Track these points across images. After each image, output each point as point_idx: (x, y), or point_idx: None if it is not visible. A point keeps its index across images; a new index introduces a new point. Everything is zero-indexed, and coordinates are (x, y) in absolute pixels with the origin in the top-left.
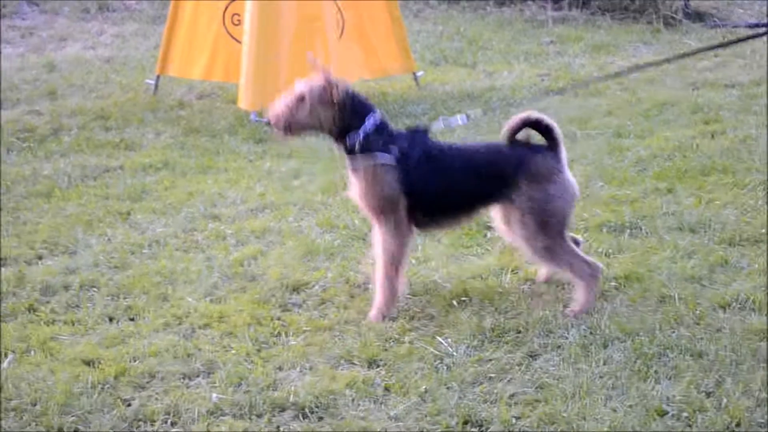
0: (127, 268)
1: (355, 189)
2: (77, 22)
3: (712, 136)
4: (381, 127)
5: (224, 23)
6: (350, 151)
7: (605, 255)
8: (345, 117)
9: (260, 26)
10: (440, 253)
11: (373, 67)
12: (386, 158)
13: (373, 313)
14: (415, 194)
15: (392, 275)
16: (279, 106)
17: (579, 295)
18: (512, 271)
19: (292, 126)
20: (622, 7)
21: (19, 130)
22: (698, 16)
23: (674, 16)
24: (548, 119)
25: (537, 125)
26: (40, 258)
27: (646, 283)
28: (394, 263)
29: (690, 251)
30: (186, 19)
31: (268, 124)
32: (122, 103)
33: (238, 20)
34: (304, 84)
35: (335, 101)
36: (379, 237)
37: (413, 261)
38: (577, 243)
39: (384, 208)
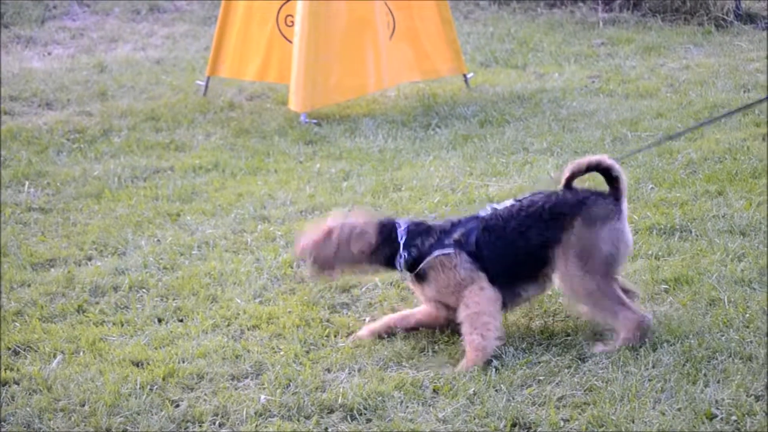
0: (176, 269)
1: (427, 293)
2: (128, 23)
3: (763, 139)
4: (422, 230)
5: (278, 24)
6: (409, 268)
7: (655, 258)
8: (380, 249)
9: (311, 27)
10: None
11: (424, 68)
12: (445, 251)
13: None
14: (488, 267)
15: (485, 327)
16: (307, 238)
17: (616, 339)
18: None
19: (321, 264)
20: (673, 8)
21: (69, 131)
22: (749, 18)
23: (725, 17)
24: (618, 168)
25: (606, 172)
26: (89, 259)
27: (695, 286)
28: (482, 321)
29: (740, 254)
30: (238, 20)
31: (295, 255)
32: (172, 104)
33: (292, 21)
34: (335, 221)
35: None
36: (467, 313)
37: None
38: (628, 293)
39: (464, 285)
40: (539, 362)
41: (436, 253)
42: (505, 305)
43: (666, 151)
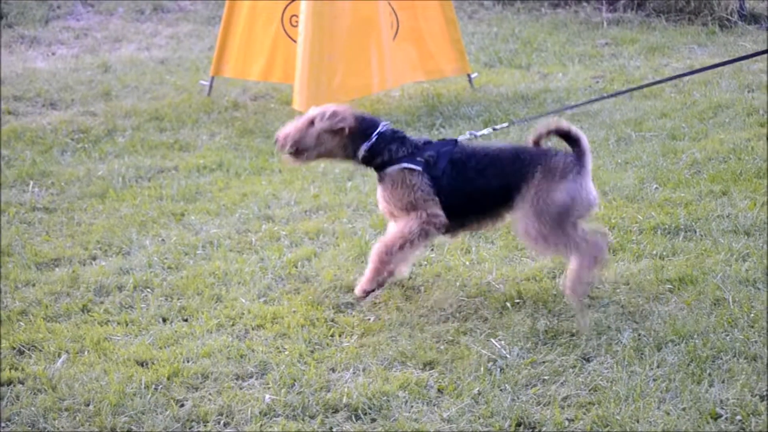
0: (180, 269)
1: (381, 196)
2: (132, 23)
3: None
4: (397, 137)
5: (283, 24)
6: (369, 163)
7: (659, 257)
8: (354, 141)
9: (315, 27)
10: (494, 255)
11: (428, 68)
12: (412, 164)
13: (358, 287)
14: (443, 198)
15: (386, 259)
16: (288, 127)
17: (572, 272)
18: (566, 273)
19: (299, 149)
20: (677, 8)
21: (73, 131)
22: (753, 18)
23: (729, 17)
24: (576, 129)
25: (566, 135)
26: (94, 258)
27: (700, 285)
28: (394, 249)
29: (744, 254)
30: (242, 20)
31: (275, 142)
32: (176, 104)
33: (296, 21)
34: (316, 109)
35: (344, 129)
36: (400, 223)
37: (467, 263)
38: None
39: (415, 206)
40: (544, 362)
41: (404, 164)
42: (452, 231)
43: (670, 151)
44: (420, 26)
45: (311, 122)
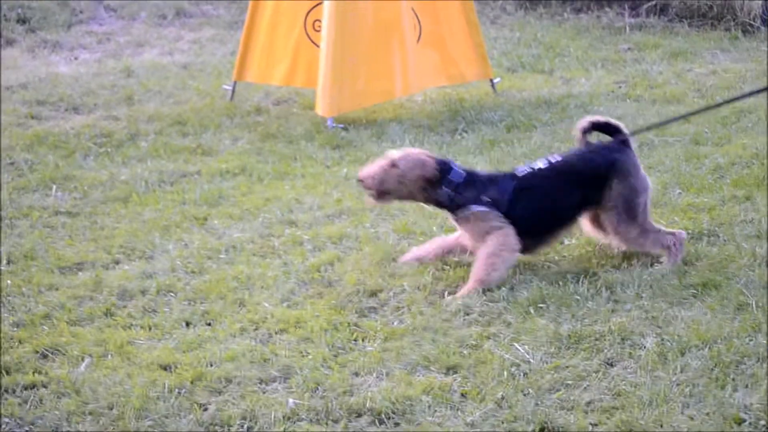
0: (203, 273)
1: (464, 234)
2: (154, 27)
3: None
4: (468, 179)
5: (306, 29)
6: (444, 207)
7: (683, 262)
8: (433, 185)
9: (338, 31)
10: (518, 259)
11: (450, 73)
12: (480, 209)
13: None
14: (518, 224)
15: (486, 279)
16: (372, 167)
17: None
18: (589, 277)
19: (381, 190)
20: (699, 14)
21: (96, 136)
22: None
23: (752, 23)
24: (614, 120)
25: (606, 127)
26: (117, 263)
27: (723, 290)
28: (498, 264)
29: None
30: (265, 24)
31: (359, 182)
32: (199, 108)
33: (320, 26)
34: (399, 152)
35: (429, 177)
36: (482, 252)
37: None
38: None
39: (491, 231)
40: (567, 366)
41: (473, 208)
42: (531, 249)
43: (693, 156)
44: (442, 30)
45: (393, 165)
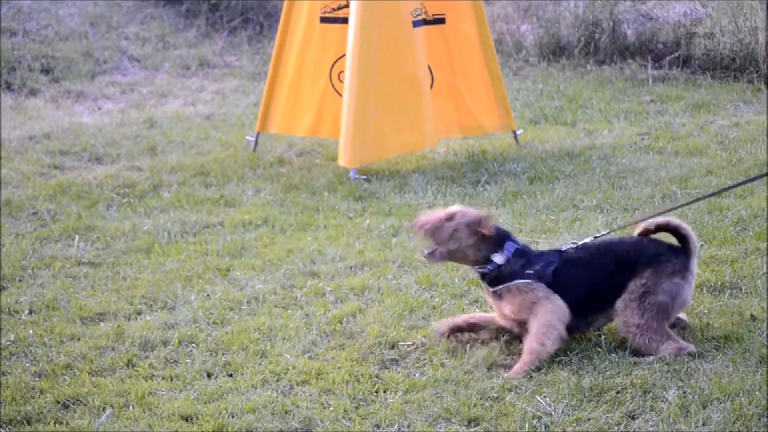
0: (225, 324)
1: (501, 310)
2: (177, 78)
3: None
4: (520, 252)
5: (331, 80)
6: (488, 278)
7: (705, 315)
8: (486, 248)
9: (360, 82)
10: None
11: (466, 124)
12: (520, 282)
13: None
14: (561, 293)
15: (542, 351)
16: (428, 215)
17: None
18: (611, 330)
19: (434, 239)
20: (722, 66)
21: (119, 186)
22: None
23: None
24: (687, 228)
25: (675, 232)
26: (139, 313)
27: (746, 343)
28: (552, 334)
29: None
30: (288, 75)
31: (412, 227)
32: (222, 159)
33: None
34: (460, 207)
35: (483, 234)
36: (535, 324)
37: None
38: (676, 322)
39: (538, 301)
40: (589, 419)
41: (516, 281)
42: (574, 330)
43: (716, 209)
44: (458, 83)
45: (450, 217)
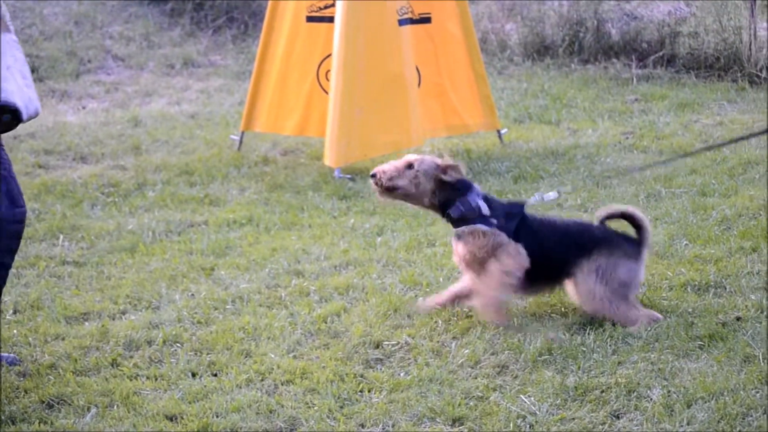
0: (210, 323)
1: (460, 252)
2: (162, 77)
3: None
4: (486, 200)
5: (318, 79)
6: (452, 221)
7: (689, 314)
8: (445, 193)
9: (345, 82)
10: (523, 312)
11: (452, 123)
12: (485, 227)
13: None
14: None
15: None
16: (387, 165)
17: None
18: (595, 329)
19: (392, 186)
20: (706, 65)
21: (103, 185)
22: None
23: (759, 74)
24: (645, 220)
25: (632, 220)
26: (123, 313)
27: (730, 342)
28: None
29: None
30: (274, 75)
31: (372, 176)
32: (206, 158)
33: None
34: (418, 155)
35: (446, 181)
36: (497, 262)
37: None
38: None
39: (499, 246)
40: (573, 418)
41: (480, 225)
42: (518, 291)
43: (700, 208)
44: (443, 82)
45: (409, 165)
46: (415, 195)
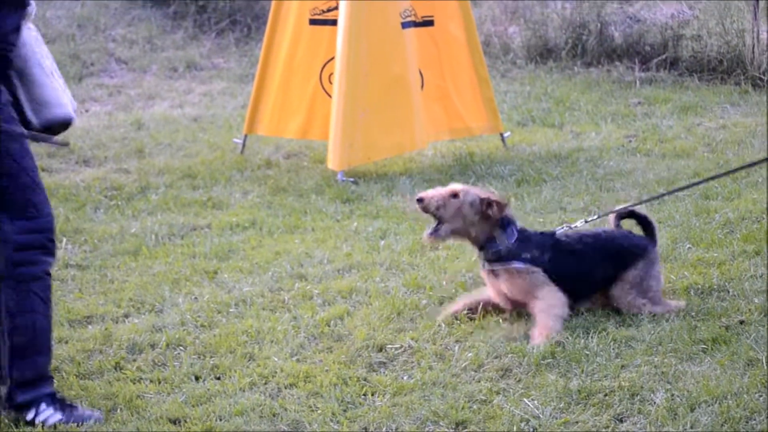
0: (213, 327)
1: (497, 287)
2: (165, 80)
3: None
4: (522, 236)
5: (321, 82)
6: (489, 259)
7: (693, 318)
8: (488, 227)
9: (348, 85)
10: (527, 315)
11: (455, 126)
12: (520, 266)
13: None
14: (555, 281)
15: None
16: (433, 191)
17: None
18: (599, 332)
19: (439, 215)
20: (709, 68)
21: (106, 188)
22: None
23: (762, 77)
24: (652, 218)
25: (641, 220)
26: (126, 316)
27: (733, 346)
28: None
29: None
30: (277, 78)
31: (419, 201)
32: (209, 161)
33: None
34: (463, 186)
35: (489, 216)
36: (537, 301)
37: (501, 322)
38: None
39: (536, 289)
40: (577, 422)
41: (515, 264)
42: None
43: (703, 211)
44: (446, 85)
45: (455, 195)
46: (461, 228)
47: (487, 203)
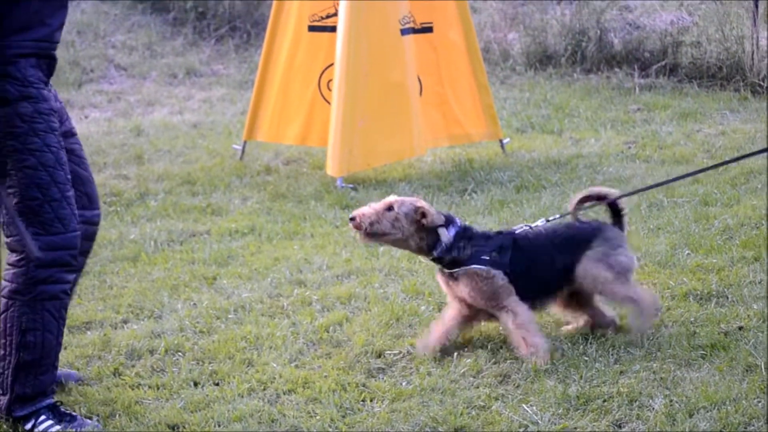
0: (212, 332)
1: (455, 292)
2: (164, 86)
3: None
4: (464, 235)
5: (320, 89)
6: (440, 262)
7: (691, 324)
8: (427, 237)
9: (348, 91)
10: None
11: (454, 133)
12: (479, 268)
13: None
14: (516, 281)
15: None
16: (366, 208)
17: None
18: (597, 338)
19: (373, 231)
20: (709, 74)
21: (105, 194)
22: None
23: (761, 83)
24: (624, 203)
25: (611, 205)
26: (125, 322)
27: (732, 352)
28: (529, 327)
29: None
30: (276, 84)
31: (351, 219)
32: (209, 168)
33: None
34: (397, 197)
35: (423, 224)
36: (507, 317)
37: (499, 328)
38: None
39: (498, 296)
40: (576, 428)
41: (473, 266)
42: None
43: (702, 217)
44: (445, 92)
45: (389, 208)
46: (400, 240)
47: (422, 213)
